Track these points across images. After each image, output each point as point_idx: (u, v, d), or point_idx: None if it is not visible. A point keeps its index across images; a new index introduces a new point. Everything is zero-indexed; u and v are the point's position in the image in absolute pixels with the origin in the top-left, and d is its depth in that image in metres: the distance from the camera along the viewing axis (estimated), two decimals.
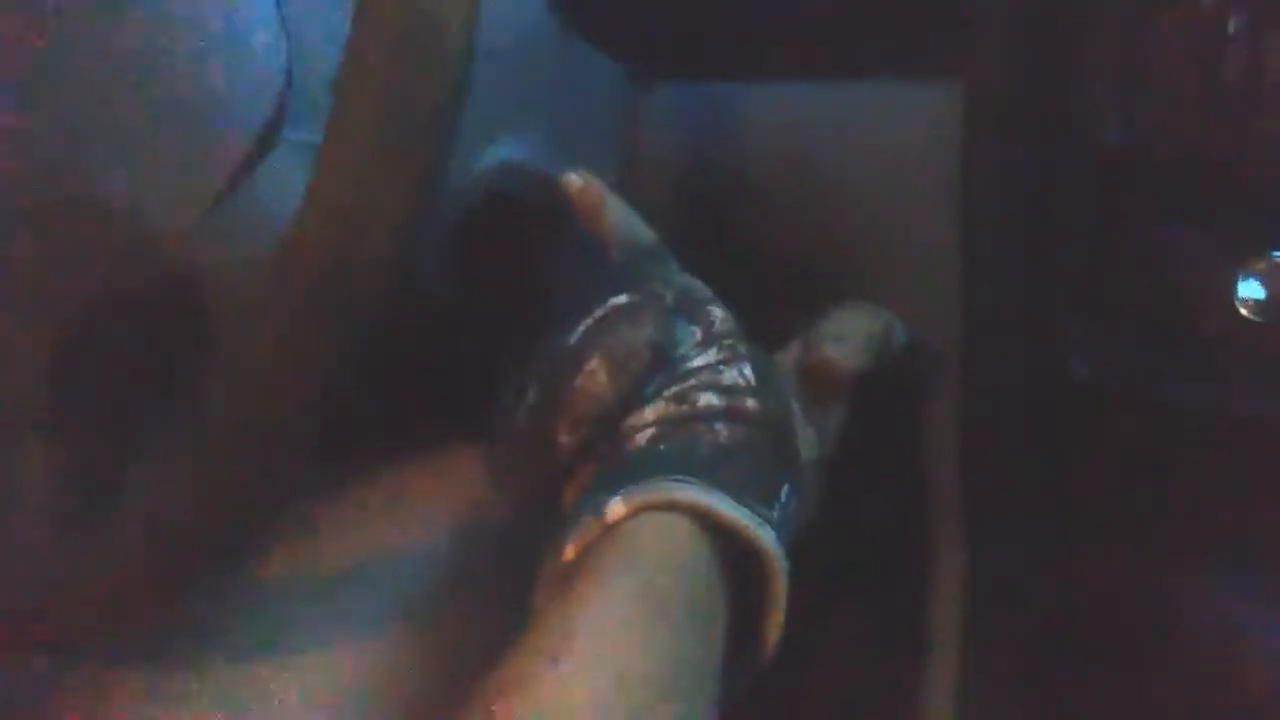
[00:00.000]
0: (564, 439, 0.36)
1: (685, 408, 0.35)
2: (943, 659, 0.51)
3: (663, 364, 0.36)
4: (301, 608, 0.40)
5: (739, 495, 0.33)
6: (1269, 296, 0.41)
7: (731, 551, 0.33)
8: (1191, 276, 0.43)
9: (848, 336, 0.42)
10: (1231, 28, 0.39)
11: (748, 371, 0.37)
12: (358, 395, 0.30)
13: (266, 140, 0.32)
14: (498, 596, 0.39)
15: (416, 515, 0.43)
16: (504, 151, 0.43)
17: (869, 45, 0.49)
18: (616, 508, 0.32)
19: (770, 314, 0.42)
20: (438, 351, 0.43)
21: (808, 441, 0.39)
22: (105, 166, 0.30)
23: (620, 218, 0.40)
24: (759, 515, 0.33)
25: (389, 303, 0.29)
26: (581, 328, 0.37)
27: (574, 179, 0.41)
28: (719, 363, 0.37)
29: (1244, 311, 0.41)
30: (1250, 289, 0.41)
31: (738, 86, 0.51)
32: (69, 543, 0.33)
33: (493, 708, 0.27)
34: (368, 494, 0.44)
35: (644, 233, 0.41)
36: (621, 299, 0.37)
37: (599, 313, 0.37)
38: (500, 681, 0.27)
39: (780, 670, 0.34)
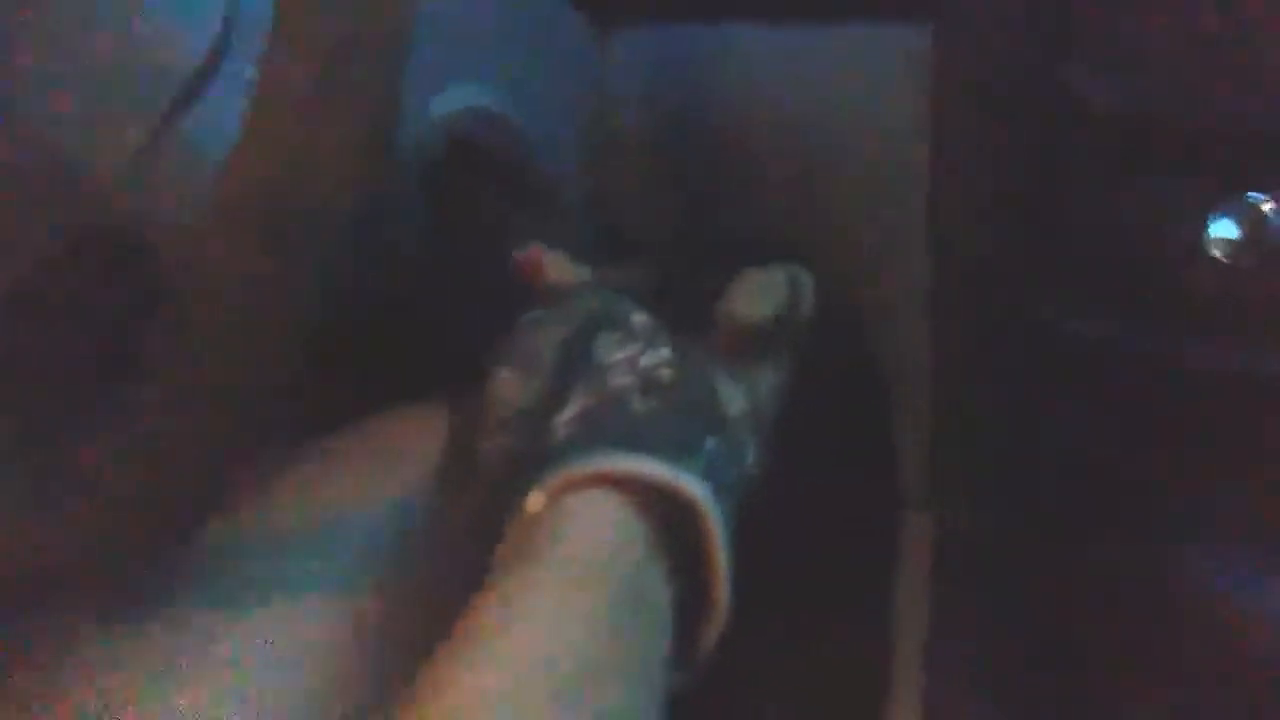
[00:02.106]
0: (484, 445, 0.38)
1: (602, 393, 0.36)
2: (909, 636, 0.51)
3: (581, 365, 0.37)
4: (264, 565, 0.39)
5: (652, 451, 0.33)
6: (1242, 237, 0.40)
7: (667, 518, 0.33)
8: (1163, 221, 0.42)
9: (749, 293, 0.43)
10: None
11: (664, 351, 0.38)
12: (329, 349, 0.29)
13: (206, 72, 0.31)
14: (470, 554, 0.38)
15: (387, 472, 0.42)
16: (466, 97, 0.42)
17: None
18: (535, 499, 0.33)
19: (741, 259, 0.43)
20: (409, 303, 0.42)
21: (734, 398, 0.39)
22: (37, 103, 0.29)
23: (558, 269, 0.43)
24: (676, 465, 0.33)
25: (349, 248, 0.28)
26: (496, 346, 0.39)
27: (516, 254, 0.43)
28: (638, 352, 0.38)
29: (1216, 253, 0.40)
30: (1223, 229, 0.40)
31: (704, 29, 0.50)
32: (19, 510, 0.32)
33: (410, 715, 0.27)
34: (337, 449, 0.43)
35: (579, 275, 0.43)
36: (534, 314, 0.40)
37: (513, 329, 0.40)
38: (420, 685, 0.27)
39: (741, 654, 0.34)
